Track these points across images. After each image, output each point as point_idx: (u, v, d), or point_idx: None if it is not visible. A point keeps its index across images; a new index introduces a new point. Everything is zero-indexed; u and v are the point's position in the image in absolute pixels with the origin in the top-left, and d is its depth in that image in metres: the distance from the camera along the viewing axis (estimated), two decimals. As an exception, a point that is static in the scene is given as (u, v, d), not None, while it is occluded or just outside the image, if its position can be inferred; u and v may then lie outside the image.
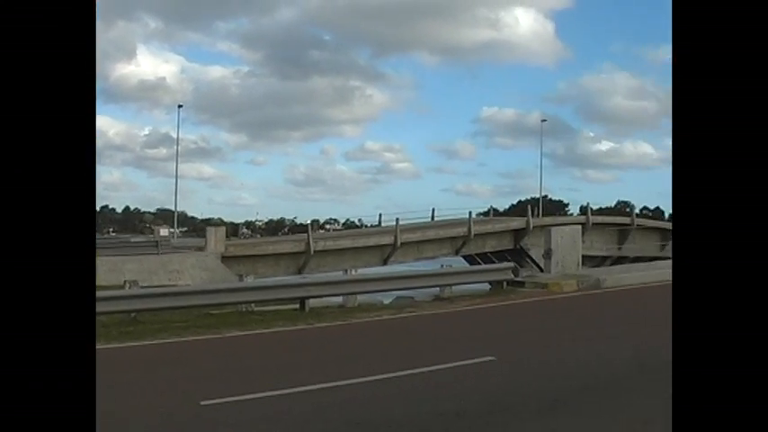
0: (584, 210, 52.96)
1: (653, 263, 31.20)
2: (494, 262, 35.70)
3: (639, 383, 9.89)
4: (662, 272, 23.48)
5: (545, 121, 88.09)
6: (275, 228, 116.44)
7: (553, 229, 23.13)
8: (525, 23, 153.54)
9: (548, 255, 22.07)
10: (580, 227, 25.58)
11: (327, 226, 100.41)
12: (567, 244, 22.15)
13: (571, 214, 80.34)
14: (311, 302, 17.57)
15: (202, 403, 8.77)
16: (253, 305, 17.54)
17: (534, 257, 40.95)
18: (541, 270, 24.40)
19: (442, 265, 27.62)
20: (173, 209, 71.06)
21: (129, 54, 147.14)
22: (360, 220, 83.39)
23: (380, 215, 53.14)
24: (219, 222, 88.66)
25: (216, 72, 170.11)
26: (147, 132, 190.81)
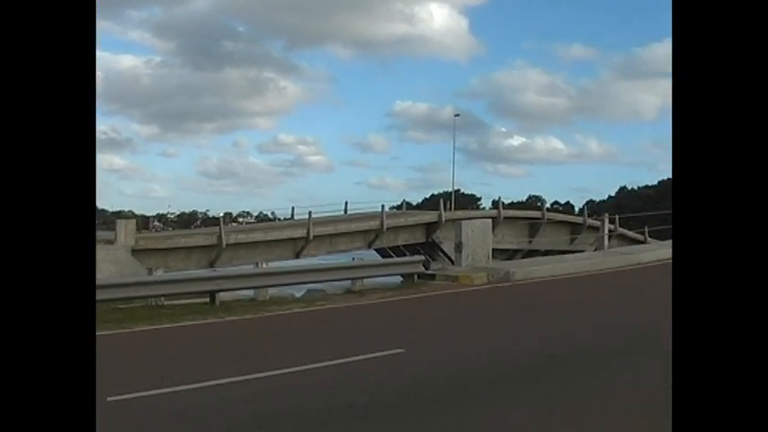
0: (495, 204, 53.52)
1: (562, 256, 31.73)
2: (406, 255, 35.89)
3: (548, 373, 10.09)
4: (570, 264, 23.95)
5: (458, 115, 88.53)
6: (187, 221, 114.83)
7: (464, 222, 23.27)
8: (439, 18, 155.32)
9: (458, 248, 22.23)
10: (491, 220, 25.77)
11: (240, 219, 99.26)
12: (477, 237, 22.32)
13: (483, 208, 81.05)
14: (222, 296, 17.42)
15: (109, 399, 8.62)
16: (162, 299, 17.32)
17: (446, 251, 41.19)
18: (453, 263, 24.55)
19: (353, 259, 27.64)
20: (82, 201, 69.62)
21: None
22: (273, 213, 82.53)
23: (293, 208, 52.81)
24: (130, 215, 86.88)
25: (127, 61, 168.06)
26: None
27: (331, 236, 42.01)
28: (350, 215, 49.34)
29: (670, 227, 43.36)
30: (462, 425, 7.89)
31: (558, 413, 8.30)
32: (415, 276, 20.59)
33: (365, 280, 19.91)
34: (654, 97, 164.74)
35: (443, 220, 45.32)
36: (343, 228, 43.21)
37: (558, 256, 31.19)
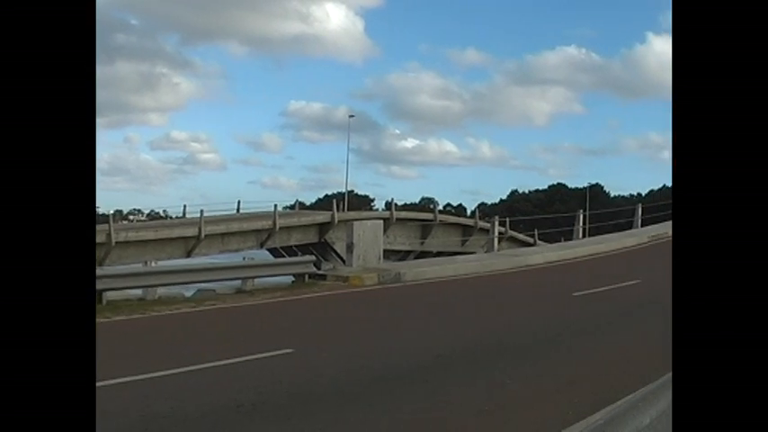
0: (388, 205, 53.87)
1: (453, 257, 32.10)
2: (298, 255, 35.85)
3: (435, 373, 10.25)
4: (460, 266, 24.26)
5: (353, 116, 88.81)
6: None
7: (355, 223, 23.31)
8: (336, 19, 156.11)
9: (350, 248, 22.28)
10: (382, 221, 25.87)
11: (131, 217, 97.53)
12: (368, 238, 22.40)
13: (377, 209, 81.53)
14: (110, 295, 17.09)
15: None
16: (47, 298, 16.88)
17: (339, 251, 41.29)
18: (345, 263, 24.62)
19: (244, 258, 27.46)
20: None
21: None
22: (165, 211, 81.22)
23: (185, 206, 52.28)
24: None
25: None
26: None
27: (223, 235, 41.70)
28: (242, 214, 49.14)
29: (559, 230, 44.27)
30: (349, 425, 7.99)
31: (442, 412, 8.46)
32: (306, 276, 20.59)
33: (256, 280, 19.82)
34: (545, 103, 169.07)
35: (336, 220, 45.43)
36: (235, 227, 42.93)
37: (448, 258, 31.52)
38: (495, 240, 34.00)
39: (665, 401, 6.03)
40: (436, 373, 10.30)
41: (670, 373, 6.48)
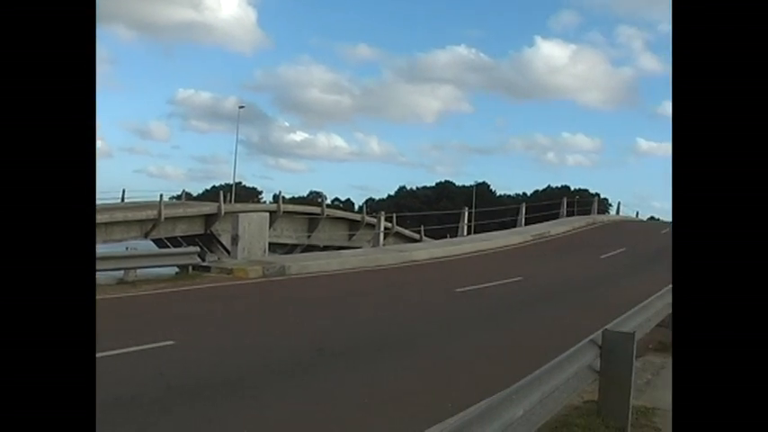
0: (276, 198, 53.83)
1: (339, 251, 32.25)
2: (183, 246, 35.45)
3: (316, 367, 10.30)
4: (345, 260, 24.35)
5: (242, 107, 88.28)
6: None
7: (240, 215, 23.16)
8: (227, 8, 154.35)
9: (235, 241, 22.17)
10: (268, 214, 25.79)
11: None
12: (254, 230, 22.31)
13: (265, 202, 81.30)
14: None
15: None
16: None
17: (225, 243, 40.99)
18: (230, 255, 24.46)
19: (127, 248, 26.97)
20: None
21: None
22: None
23: (67, 195, 51.17)
24: None
25: None
26: None
27: (106, 224, 40.84)
28: (127, 204, 48.33)
29: (445, 226, 44.82)
30: (232, 417, 7.98)
31: (322, 406, 8.53)
32: (190, 268, 20.35)
33: (138, 271, 19.49)
34: (434, 101, 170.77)
35: (223, 212, 45.19)
36: (119, 216, 42.16)
37: (334, 252, 31.68)
38: (381, 236, 34.18)
39: (537, 394, 6.23)
40: (318, 366, 10.35)
41: (543, 367, 6.70)
